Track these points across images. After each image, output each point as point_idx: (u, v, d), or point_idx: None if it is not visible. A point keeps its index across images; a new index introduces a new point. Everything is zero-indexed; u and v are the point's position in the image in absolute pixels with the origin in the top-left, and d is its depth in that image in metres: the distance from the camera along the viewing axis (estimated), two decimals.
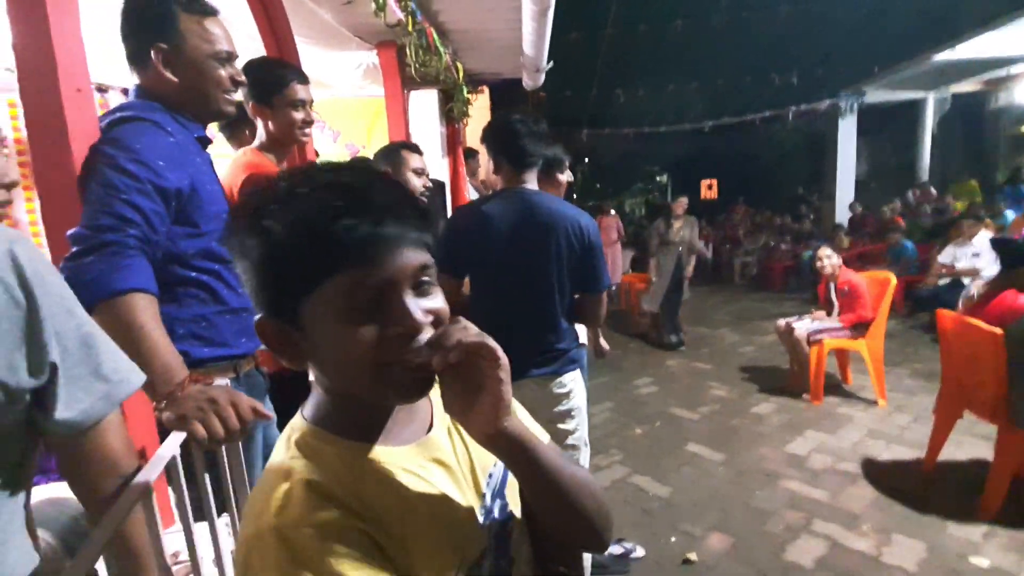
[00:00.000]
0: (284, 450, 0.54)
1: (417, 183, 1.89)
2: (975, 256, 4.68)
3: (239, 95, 1.26)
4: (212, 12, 1.16)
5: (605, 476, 2.80)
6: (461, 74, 3.84)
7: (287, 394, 0.71)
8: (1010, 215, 5.51)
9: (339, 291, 0.48)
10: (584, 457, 1.70)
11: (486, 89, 5.07)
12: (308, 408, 0.57)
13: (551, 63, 4.51)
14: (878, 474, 2.67)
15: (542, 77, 4.74)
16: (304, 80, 1.56)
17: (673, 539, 2.25)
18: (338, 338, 0.49)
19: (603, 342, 2.40)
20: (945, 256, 4.99)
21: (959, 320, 2.45)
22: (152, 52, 1.10)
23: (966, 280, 4.60)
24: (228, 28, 1.20)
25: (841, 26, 6.66)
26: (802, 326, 3.75)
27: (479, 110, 4.88)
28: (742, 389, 3.98)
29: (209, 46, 1.14)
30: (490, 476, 0.63)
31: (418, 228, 0.52)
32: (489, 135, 1.66)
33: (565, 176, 1.85)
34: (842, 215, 8.83)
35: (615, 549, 2.13)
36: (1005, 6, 5.48)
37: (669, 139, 11.00)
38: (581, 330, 1.81)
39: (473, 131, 4.83)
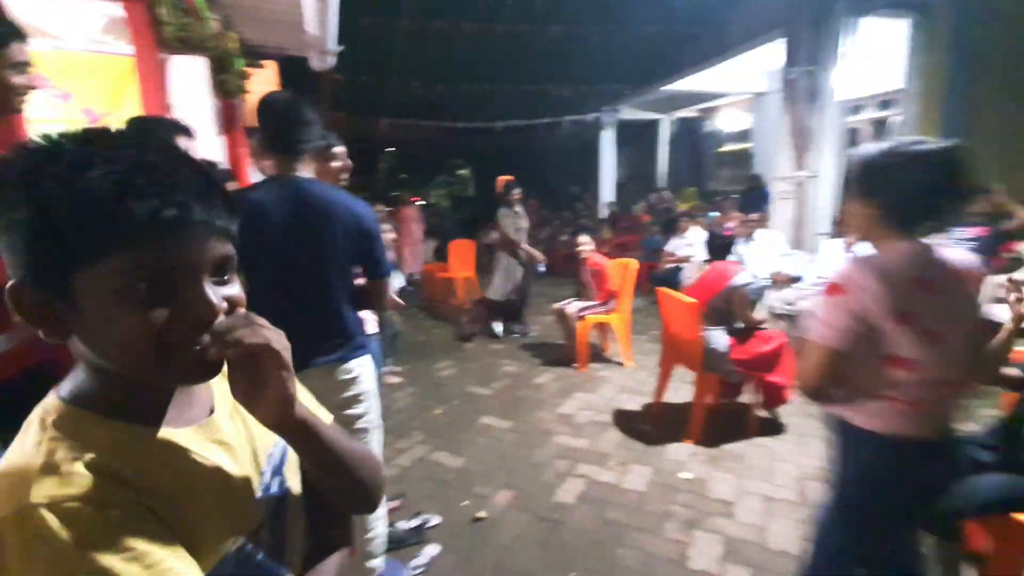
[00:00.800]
0: (38, 431, 0.50)
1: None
2: (689, 246, 6.14)
3: None
4: None
5: (407, 456, 2.93)
6: (235, 44, 3.47)
7: (16, 402, 0.63)
8: (712, 215, 7.32)
9: (127, 269, 0.47)
10: (376, 439, 1.74)
11: (273, 64, 4.62)
12: (65, 389, 0.54)
13: (343, 47, 4.37)
14: (623, 420, 3.35)
15: (332, 59, 4.56)
16: (25, 38, 1.29)
17: (467, 503, 2.48)
18: (121, 316, 0.48)
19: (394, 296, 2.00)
20: (670, 246, 6.43)
21: (670, 296, 3.22)
22: None
23: (684, 265, 6.00)
24: None
25: (604, 52, 7.86)
26: (571, 306, 4.45)
27: (266, 86, 4.43)
28: (528, 364, 4.52)
29: None
30: (270, 456, 0.68)
31: (225, 217, 0.53)
32: (259, 118, 1.57)
33: (338, 163, 1.84)
34: (605, 212, 10.57)
35: (412, 522, 2.26)
36: (710, 53, 7.20)
37: (469, 135, 11.51)
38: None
39: None
